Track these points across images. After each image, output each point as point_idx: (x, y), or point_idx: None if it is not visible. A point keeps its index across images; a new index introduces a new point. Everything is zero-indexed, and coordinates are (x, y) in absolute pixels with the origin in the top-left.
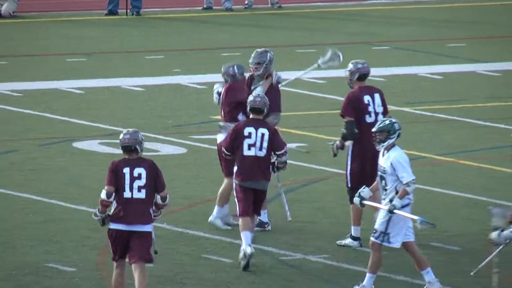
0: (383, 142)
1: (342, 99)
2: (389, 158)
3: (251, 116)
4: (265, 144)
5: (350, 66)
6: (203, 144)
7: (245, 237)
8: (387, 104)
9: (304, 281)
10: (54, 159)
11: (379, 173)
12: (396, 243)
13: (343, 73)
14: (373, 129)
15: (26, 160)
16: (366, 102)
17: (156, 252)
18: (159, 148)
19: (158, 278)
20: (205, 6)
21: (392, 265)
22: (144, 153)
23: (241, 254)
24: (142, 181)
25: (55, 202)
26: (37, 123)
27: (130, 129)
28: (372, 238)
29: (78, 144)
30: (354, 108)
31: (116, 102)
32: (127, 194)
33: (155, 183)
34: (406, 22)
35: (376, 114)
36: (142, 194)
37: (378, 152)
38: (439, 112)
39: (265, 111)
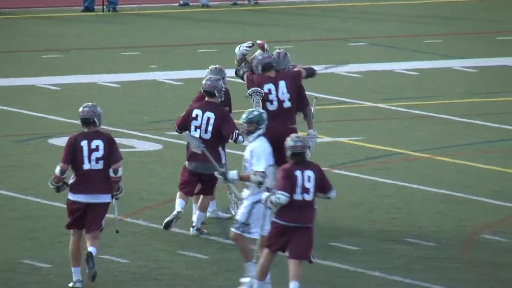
0: (252, 133)
1: (324, 96)
2: (251, 147)
3: (206, 98)
4: (210, 128)
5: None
6: (179, 140)
7: (178, 202)
8: (366, 100)
9: (280, 276)
10: (31, 155)
11: (243, 162)
12: (255, 233)
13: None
14: (241, 120)
15: (2, 157)
16: (266, 90)
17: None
18: (135, 144)
19: (133, 275)
20: (181, 2)
21: (368, 261)
22: (120, 149)
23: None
24: (100, 153)
25: (31, 198)
26: (14, 120)
27: (89, 103)
28: (232, 229)
29: (54, 141)
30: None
31: (92, 98)
32: (86, 165)
33: (110, 155)
34: (383, 18)
35: (281, 101)
36: (100, 165)
37: (279, 136)
38: (415, 108)
39: (216, 94)
